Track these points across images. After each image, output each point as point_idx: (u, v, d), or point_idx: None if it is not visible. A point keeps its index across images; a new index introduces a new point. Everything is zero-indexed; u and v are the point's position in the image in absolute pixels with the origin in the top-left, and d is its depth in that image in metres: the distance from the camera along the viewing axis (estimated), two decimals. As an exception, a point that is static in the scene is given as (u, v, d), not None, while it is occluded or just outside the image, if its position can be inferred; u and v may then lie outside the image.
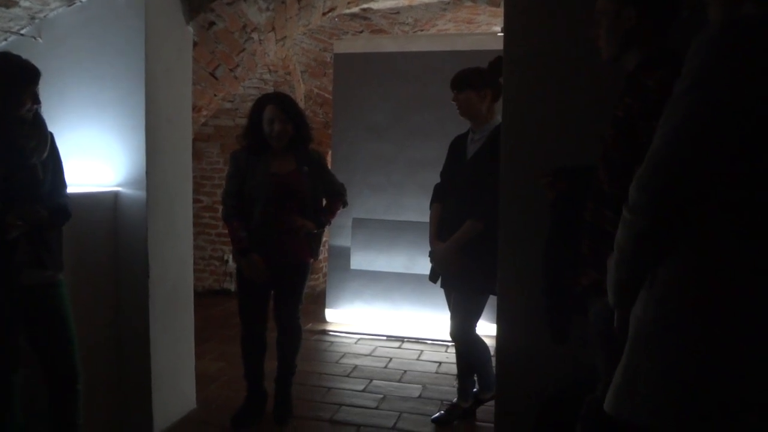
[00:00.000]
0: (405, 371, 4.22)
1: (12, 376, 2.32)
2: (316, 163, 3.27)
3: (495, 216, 2.56)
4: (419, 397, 3.76)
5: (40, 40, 3.02)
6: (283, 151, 3.17)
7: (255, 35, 3.82)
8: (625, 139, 1.57)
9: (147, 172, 2.97)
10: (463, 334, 3.19)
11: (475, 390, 3.39)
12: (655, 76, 1.55)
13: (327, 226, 3.43)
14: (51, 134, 2.40)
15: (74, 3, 2.97)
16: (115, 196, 3.00)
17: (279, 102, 3.14)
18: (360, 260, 5.31)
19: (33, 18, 2.97)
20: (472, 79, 3.08)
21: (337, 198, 3.39)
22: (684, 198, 1.13)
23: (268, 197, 3.10)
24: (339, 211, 3.44)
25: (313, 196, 3.24)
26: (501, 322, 2.51)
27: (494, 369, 2.87)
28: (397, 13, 5.59)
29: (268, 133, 3.11)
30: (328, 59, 5.99)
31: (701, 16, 1.23)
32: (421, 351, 4.69)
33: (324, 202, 3.38)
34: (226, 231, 3.27)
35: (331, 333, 5.14)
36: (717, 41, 1.07)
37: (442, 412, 3.39)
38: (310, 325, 5.22)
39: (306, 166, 3.19)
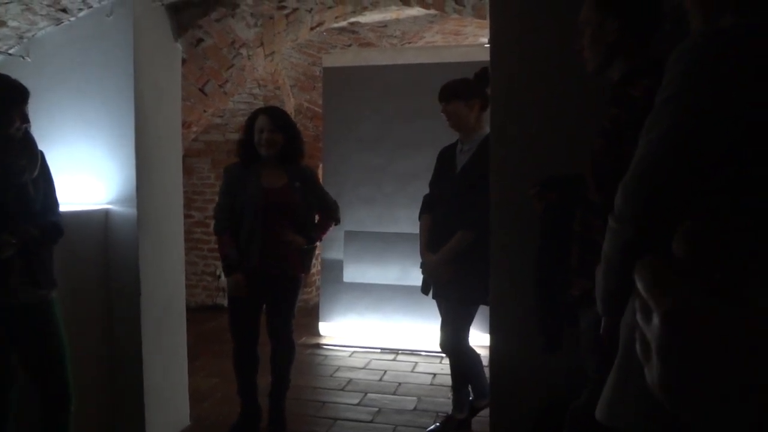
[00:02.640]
0: (400, 384, 4.21)
1: (7, 394, 2.31)
2: (308, 178, 3.29)
3: (485, 226, 2.58)
4: (414, 409, 3.75)
5: (29, 60, 3.02)
6: (274, 165, 3.19)
7: (243, 51, 3.84)
8: (612, 149, 1.59)
9: (137, 189, 2.96)
10: (453, 345, 3.19)
11: (470, 399, 3.39)
12: (640, 86, 1.56)
13: (318, 242, 3.44)
14: (41, 153, 2.40)
15: (62, 22, 2.97)
16: (105, 213, 2.99)
17: (269, 112, 3.21)
18: (353, 273, 5.30)
19: (21, 37, 2.98)
20: (460, 90, 3.10)
21: (329, 215, 3.41)
22: (669, 206, 1.14)
23: (258, 211, 3.10)
24: (331, 229, 3.47)
25: (305, 212, 3.25)
26: (494, 332, 2.51)
27: (488, 378, 2.87)
28: (385, 26, 5.62)
29: (258, 141, 3.14)
30: (317, 73, 6.01)
31: (684, 28, 1.25)
32: (416, 363, 4.68)
33: (317, 218, 3.39)
34: (218, 246, 3.29)
35: (324, 346, 5.13)
36: (697, 51, 1.08)
37: (438, 424, 3.39)
38: (304, 338, 5.20)
39: (298, 182, 3.21)
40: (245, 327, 3.24)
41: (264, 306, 3.28)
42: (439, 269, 3.10)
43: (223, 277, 6.18)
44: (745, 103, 1.04)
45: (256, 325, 3.26)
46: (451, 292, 3.11)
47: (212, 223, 3.43)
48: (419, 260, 3.27)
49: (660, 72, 1.18)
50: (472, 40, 6.04)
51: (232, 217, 3.15)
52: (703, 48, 1.08)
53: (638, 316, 0.37)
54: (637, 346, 0.38)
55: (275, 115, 3.19)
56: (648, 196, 1.14)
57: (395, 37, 5.83)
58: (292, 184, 3.19)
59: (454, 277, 3.06)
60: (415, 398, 3.92)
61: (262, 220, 3.11)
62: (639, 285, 0.37)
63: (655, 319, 0.35)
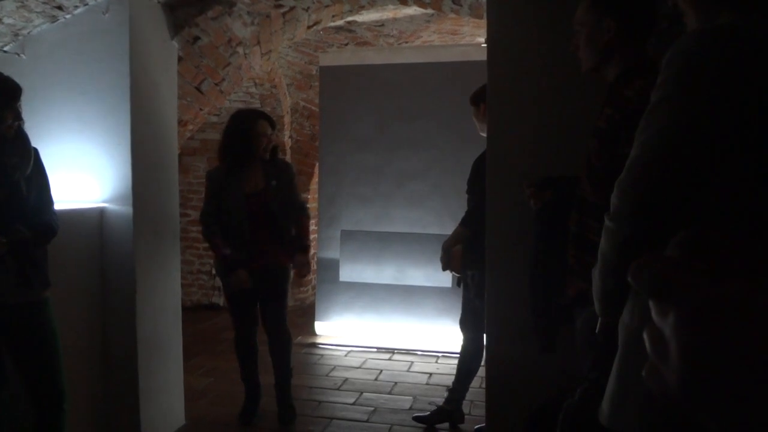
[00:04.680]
0: (395, 383, 4.21)
1: (0, 394, 2.29)
2: (282, 171, 3.39)
3: (478, 224, 2.61)
4: (410, 409, 3.74)
5: (24, 57, 3.01)
6: (255, 166, 3.30)
7: (240, 49, 3.83)
8: (607, 149, 1.59)
9: (133, 188, 2.95)
10: (475, 347, 3.26)
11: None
12: (635, 86, 1.56)
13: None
14: (35, 150, 2.38)
15: (58, 19, 2.96)
16: (100, 212, 2.98)
17: (267, 118, 3.38)
18: (349, 272, 5.30)
19: (16, 35, 2.96)
20: (476, 95, 3.14)
21: (301, 216, 3.48)
22: (666, 204, 1.13)
23: (243, 216, 3.24)
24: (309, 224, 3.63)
25: (283, 210, 3.35)
26: (490, 331, 2.51)
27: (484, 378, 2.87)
28: (382, 25, 5.61)
29: (265, 145, 3.28)
30: (314, 72, 6.00)
31: (679, 27, 1.25)
32: (412, 362, 4.67)
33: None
34: (213, 249, 3.40)
35: (320, 346, 5.12)
36: (693, 49, 1.08)
37: (428, 413, 3.44)
38: (300, 338, 5.19)
39: (274, 180, 3.32)
40: (245, 318, 3.44)
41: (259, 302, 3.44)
42: (442, 257, 3.25)
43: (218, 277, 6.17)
44: (741, 102, 1.03)
45: (255, 316, 3.46)
46: (471, 282, 3.18)
47: (201, 227, 3.49)
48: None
49: (655, 72, 1.17)
50: (469, 39, 6.04)
51: (219, 221, 3.28)
52: (699, 46, 1.08)
53: (654, 315, 0.36)
54: (648, 345, 0.37)
55: (271, 121, 3.39)
56: (644, 194, 1.14)
57: (392, 36, 5.82)
58: (269, 183, 3.31)
59: (473, 269, 3.11)
60: (410, 398, 3.92)
61: (247, 224, 3.25)
62: (642, 286, 0.36)
63: (672, 318, 0.34)
